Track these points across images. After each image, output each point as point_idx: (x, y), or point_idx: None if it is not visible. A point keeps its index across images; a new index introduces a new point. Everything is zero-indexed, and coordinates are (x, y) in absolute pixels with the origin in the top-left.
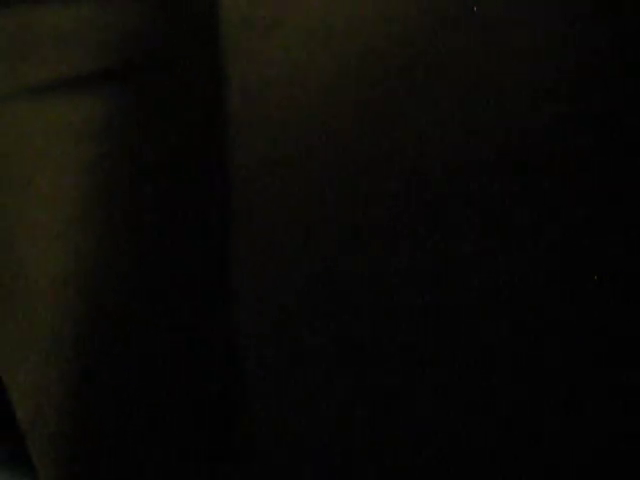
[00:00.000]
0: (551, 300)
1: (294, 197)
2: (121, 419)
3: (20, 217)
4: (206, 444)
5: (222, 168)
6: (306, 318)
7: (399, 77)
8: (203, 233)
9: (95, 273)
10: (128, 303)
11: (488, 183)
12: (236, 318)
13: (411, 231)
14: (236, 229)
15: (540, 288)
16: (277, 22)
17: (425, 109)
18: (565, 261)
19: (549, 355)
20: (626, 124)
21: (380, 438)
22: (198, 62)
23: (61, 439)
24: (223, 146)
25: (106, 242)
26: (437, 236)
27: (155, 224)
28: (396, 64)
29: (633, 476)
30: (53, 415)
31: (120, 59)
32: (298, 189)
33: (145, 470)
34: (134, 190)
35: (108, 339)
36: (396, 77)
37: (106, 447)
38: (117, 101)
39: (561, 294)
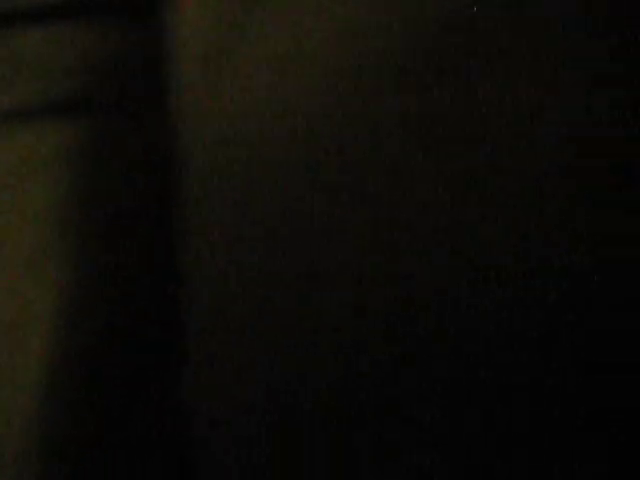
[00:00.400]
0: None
1: (253, 241)
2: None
3: None
4: None
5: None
6: (260, 377)
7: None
8: (155, 278)
9: (53, 311)
10: (84, 343)
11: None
12: (188, 378)
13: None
14: (188, 275)
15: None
16: (232, 52)
17: (400, 154)
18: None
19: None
20: None
21: None
22: (150, 98)
23: None
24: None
25: (66, 276)
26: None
27: (107, 264)
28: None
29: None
30: None
31: (74, 91)
32: (256, 234)
33: None
34: (93, 225)
35: (59, 389)
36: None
37: None
38: (70, 133)
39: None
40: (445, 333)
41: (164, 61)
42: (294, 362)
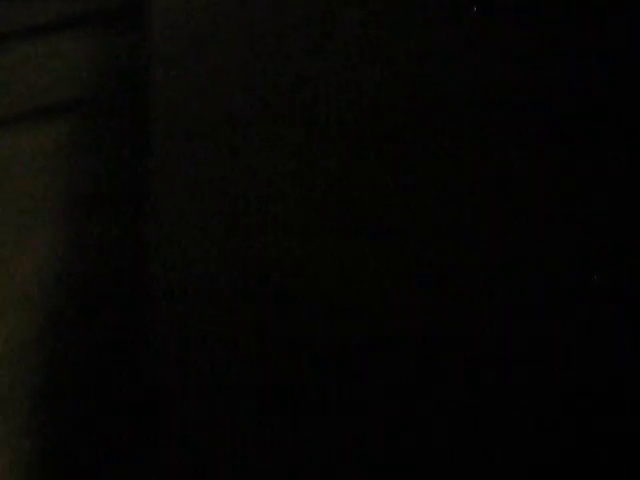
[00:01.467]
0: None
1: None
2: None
3: None
4: None
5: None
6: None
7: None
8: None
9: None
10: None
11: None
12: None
13: None
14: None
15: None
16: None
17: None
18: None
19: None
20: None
21: None
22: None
23: None
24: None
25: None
26: None
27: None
28: None
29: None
30: None
31: (69, 94)
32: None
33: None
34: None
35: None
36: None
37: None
38: (67, 131)
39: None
40: None
41: (144, 65)
42: None
